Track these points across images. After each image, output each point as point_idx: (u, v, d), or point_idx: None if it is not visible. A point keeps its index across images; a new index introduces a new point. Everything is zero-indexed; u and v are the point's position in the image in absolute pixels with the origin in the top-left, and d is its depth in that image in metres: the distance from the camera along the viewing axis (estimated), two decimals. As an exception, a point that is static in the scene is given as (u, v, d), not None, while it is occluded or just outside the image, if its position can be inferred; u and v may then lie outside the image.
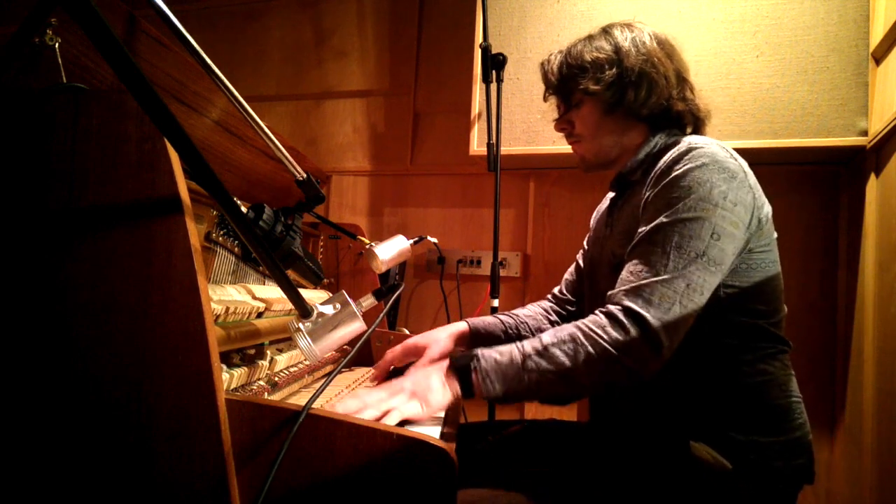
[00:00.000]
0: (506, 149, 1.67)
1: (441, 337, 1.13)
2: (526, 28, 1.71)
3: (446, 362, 0.86)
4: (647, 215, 0.88)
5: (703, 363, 0.89)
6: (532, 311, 1.26)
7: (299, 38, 2.28)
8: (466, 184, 2.05)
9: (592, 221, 1.25)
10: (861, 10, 1.39)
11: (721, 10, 1.52)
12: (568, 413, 1.79)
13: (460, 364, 0.84)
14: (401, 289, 1.01)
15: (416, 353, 1.11)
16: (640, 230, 0.88)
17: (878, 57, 1.37)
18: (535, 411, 1.85)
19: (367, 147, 2.19)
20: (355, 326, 0.75)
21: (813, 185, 1.62)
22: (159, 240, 0.62)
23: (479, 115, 1.71)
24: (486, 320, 1.19)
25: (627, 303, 0.81)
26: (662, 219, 0.85)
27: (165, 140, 0.62)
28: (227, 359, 0.85)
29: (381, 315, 0.96)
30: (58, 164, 0.64)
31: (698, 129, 1.03)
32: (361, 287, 1.52)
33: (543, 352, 0.82)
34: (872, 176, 1.35)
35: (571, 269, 1.30)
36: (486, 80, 1.57)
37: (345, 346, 1.02)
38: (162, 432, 0.61)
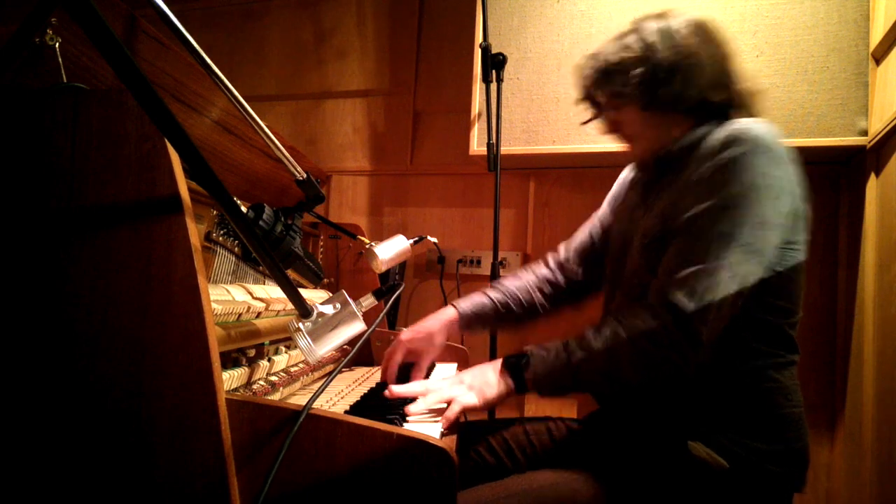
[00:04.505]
0: (506, 149, 1.67)
1: (433, 328, 1.12)
2: (526, 28, 1.71)
3: (500, 361, 0.92)
4: (690, 199, 0.85)
5: (717, 362, 0.87)
6: (525, 281, 1.21)
7: (299, 37, 2.28)
8: (466, 184, 2.05)
9: (616, 192, 1.20)
10: (861, 10, 1.39)
11: (721, 10, 1.52)
12: (568, 410, 1.79)
13: (513, 363, 0.90)
14: (401, 289, 1.01)
15: (415, 352, 1.11)
16: (682, 214, 0.85)
17: (878, 57, 1.37)
18: (534, 410, 1.85)
19: (367, 147, 2.19)
20: (355, 326, 0.75)
21: (813, 185, 1.60)
22: (159, 240, 0.62)
23: (479, 114, 1.71)
24: (475, 301, 1.17)
25: (668, 294, 0.80)
26: (707, 205, 0.82)
27: (165, 140, 0.62)
28: (227, 359, 0.85)
29: (381, 315, 0.96)
30: (58, 164, 0.64)
31: (747, 113, 0.96)
32: (361, 287, 1.52)
33: (588, 348, 0.84)
34: (872, 176, 1.35)
35: (584, 237, 1.23)
36: (486, 79, 1.57)
37: (345, 346, 1.02)
38: (162, 432, 0.61)
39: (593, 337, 0.85)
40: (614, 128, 1.03)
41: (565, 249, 1.25)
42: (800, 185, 0.87)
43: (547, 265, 1.25)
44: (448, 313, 1.15)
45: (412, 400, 0.91)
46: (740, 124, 0.86)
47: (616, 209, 1.17)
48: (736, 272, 0.79)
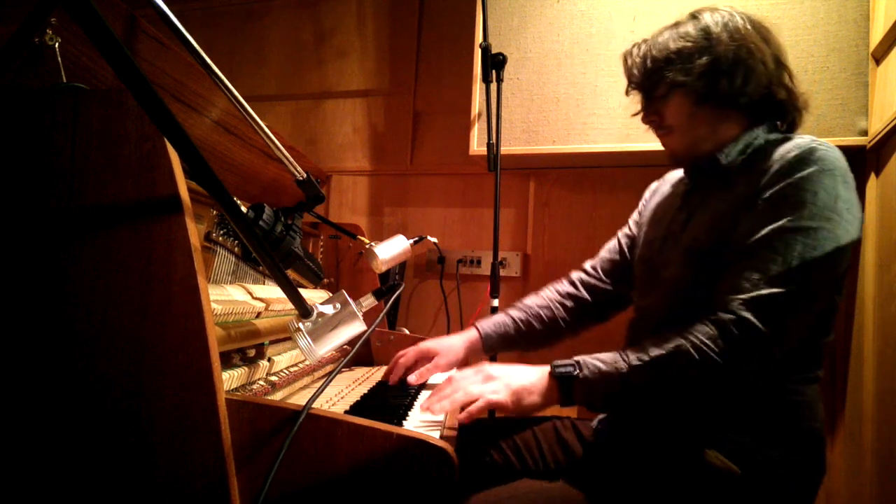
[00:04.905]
0: (506, 149, 1.67)
1: (454, 343, 1.11)
2: (526, 28, 1.71)
3: (546, 368, 0.86)
4: (765, 214, 0.82)
5: (761, 386, 0.85)
6: (545, 299, 1.20)
7: (299, 37, 2.28)
8: (466, 184, 2.05)
9: (651, 200, 1.16)
10: (861, 10, 1.39)
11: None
12: (569, 409, 1.79)
13: (562, 373, 0.84)
14: (401, 289, 1.01)
15: (428, 358, 1.10)
16: (754, 229, 0.82)
17: (878, 57, 1.37)
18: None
19: (367, 147, 2.19)
20: (355, 326, 0.75)
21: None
22: (159, 240, 0.62)
23: (479, 114, 1.71)
24: (497, 322, 1.16)
25: (744, 314, 0.77)
26: (785, 223, 0.79)
27: (165, 140, 0.62)
28: (227, 359, 0.85)
29: (381, 315, 0.96)
30: (58, 164, 0.64)
31: (797, 120, 0.95)
32: (361, 287, 1.52)
33: (649, 363, 0.80)
34: (872, 176, 1.35)
35: (613, 249, 1.20)
36: (486, 79, 1.57)
37: (345, 346, 1.03)
38: (162, 432, 0.61)
39: (656, 350, 0.81)
40: (655, 118, 0.98)
41: (591, 265, 1.23)
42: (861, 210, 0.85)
43: (570, 281, 1.23)
44: (471, 334, 1.14)
45: (414, 396, 0.90)
46: (818, 144, 0.83)
47: (649, 218, 1.13)
48: (813, 296, 0.79)
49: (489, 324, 1.16)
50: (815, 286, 0.79)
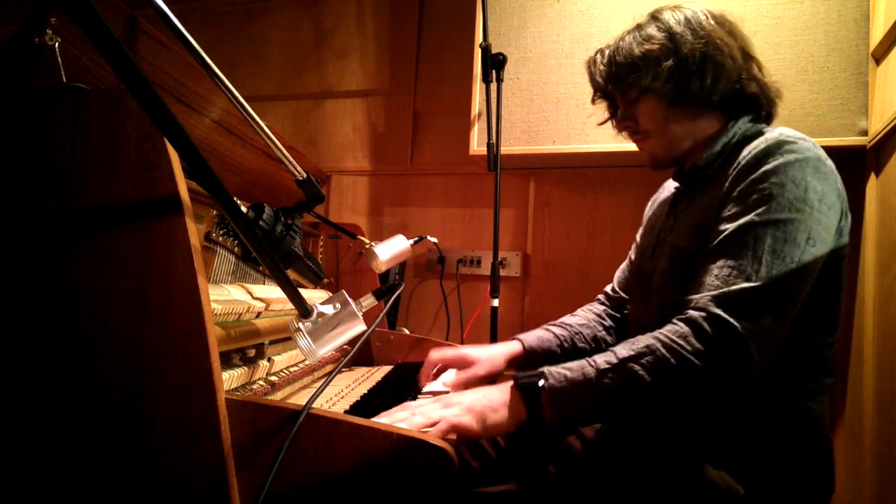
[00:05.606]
0: (506, 149, 1.67)
1: (495, 354, 1.06)
2: (526, 28, 1.71)
3: (509, 382, 0.79)
4: (733, 211, 0.80)
5: (759, 391, 0.82)
6: (584, 318, 1.18)
7: (299, 37, 2.28)
8: (466, 184, 2.05)
9: (648, 211, 1.16)
10: (861, 10, 1.39)
11: (721, 10, 1.51)
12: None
13: (526, 383, 0.77)
14: (401, 289, 1.01)
15: (464, 365, 1.05)
16: (723, 227, 0.80)
17: (878, 57, 1.37)
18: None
19: (367, 147, 2.19)
20: (355, 326, 0.75)
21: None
22: (159, 240, 0.62)
23: (479, 114, 1.71)
24: (539, 336, 1.12)
25: (715, 310, 0.73)
26: (753, 217, 0.77)
27: (165, 140, 0.62)
28: (227, 359, 0.85)
29: (381, 315, 0.96)
30: (58, 164, 0.64)
31: (772, 111, 0.94)
32: (361, 287, 1.52)
33: (620, 367, 0.75)
34: (872, 176, 1.35)
35: (624, 266, 1.21)
36: (486, 79, 1.57)
37: (345, 346, 1.03)
38: (162, 432, 0.61)
39: (626, 351, 0.76)
40: (630, 123, 0.97)
41: (612, 287, 1.22)
42: (844, 198, 0.83)
43: (601, 302, 1.22)
44: (513, 346, 1.09)
45: (413, 397, 0.89)
46: (785, 135, 0.82)
47: (645, 227, 1.12)
48: (787, 291, 0.75)
49: (533, 338, 1.11)
50: (789, 280, 0.75)
